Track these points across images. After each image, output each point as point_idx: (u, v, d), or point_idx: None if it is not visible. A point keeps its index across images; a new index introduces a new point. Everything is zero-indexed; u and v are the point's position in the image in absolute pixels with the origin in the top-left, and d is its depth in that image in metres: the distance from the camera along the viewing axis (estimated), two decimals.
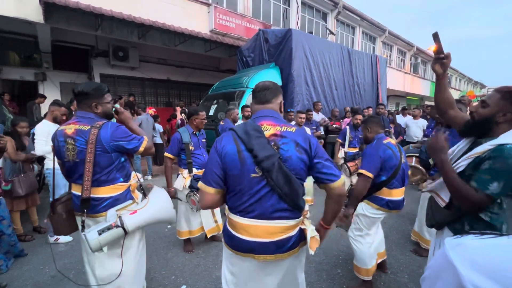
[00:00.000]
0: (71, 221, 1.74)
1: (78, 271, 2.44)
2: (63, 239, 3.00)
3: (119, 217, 1.57)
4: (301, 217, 1.27)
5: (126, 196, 1.70)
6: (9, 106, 5.86)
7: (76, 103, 1.69)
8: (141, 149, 1.65)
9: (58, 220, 1.71)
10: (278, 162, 1.14)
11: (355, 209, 2.22)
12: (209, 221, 2.92)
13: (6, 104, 5.70)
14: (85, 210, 1.57)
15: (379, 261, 2.38)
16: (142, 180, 1.93)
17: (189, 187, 2.55)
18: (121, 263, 1.64)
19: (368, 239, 2.24)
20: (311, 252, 1.20)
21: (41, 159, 3.02)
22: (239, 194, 1.20)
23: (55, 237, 2.99)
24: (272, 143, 1.18)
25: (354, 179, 3.07)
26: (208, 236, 2.96)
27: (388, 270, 2.52)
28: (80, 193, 1.57)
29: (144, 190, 1.87)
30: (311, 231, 1.23)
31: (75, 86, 1.63)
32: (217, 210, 3.00)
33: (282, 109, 1.36)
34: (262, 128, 1.21)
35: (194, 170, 2.70)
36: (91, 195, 1.57)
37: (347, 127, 4.72)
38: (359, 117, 4.52)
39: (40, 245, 2.97)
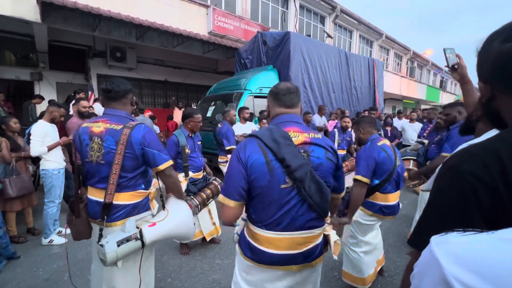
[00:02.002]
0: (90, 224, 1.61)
1: (72, 274, 2.40)
2: (57, 240, 2.96)
3: (140, 229, 1.42)
4: (325, 224, 1.24)
5: (145, 205, 1.57)
6: (4, 106, 5.79)
7: (104, 101, 1.54)
8: (162, 167, 1.47)
9: (82, 224, 1.55)
10: (311, 171, 1.10)
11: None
12: (207, 224, 2.88)
13: (1, 104, 5.64)
14: (106, 217, 1.43)
15: (378, 268, 2.30)
16: (161, 184, 1.77)
17: (186, 191, 2.52)
18: (139, 280, 1.51)
19: (364, 246, 2.16)
20: (335, 257, 1.21)
21: (36, 160, 2.98)
22: (268, 206, 1.12)
23: (49, 238, 2.95)
24: (302, 151, 1.13)
25: (346, 181, 3.07)
26: (208, 240, 2.91)
27: (385, 273, 2.51)
28: (97, 198, 1.45)
29: (164, 200, 1.72)
30: (333, 236, 1.23)
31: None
32: (215, 212, 2.97)
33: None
34: (291, 135, 1.14)
35: (190, 174, 2.67)
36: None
37: (335, 130, 4.75)
38: (347, 119, 4.59)
39: (33, 247, 2.92)
